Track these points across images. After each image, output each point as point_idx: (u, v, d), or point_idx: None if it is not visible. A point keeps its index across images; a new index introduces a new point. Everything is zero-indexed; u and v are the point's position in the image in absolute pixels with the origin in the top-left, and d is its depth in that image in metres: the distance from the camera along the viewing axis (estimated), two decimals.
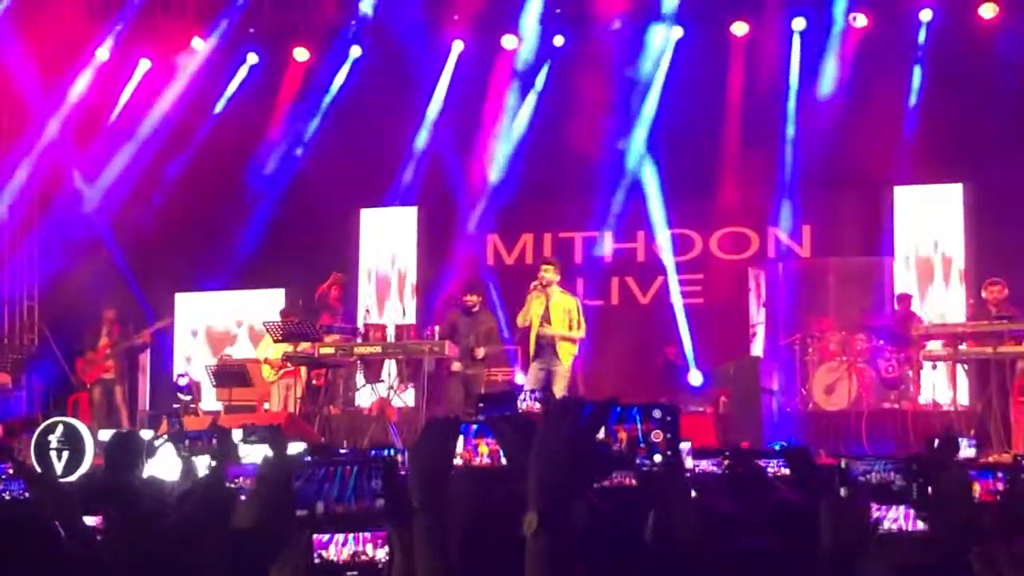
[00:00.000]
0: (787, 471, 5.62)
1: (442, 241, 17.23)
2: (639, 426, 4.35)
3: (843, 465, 5.18)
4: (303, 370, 14.12)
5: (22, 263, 17.19)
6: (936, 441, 5.57)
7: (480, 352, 13.26)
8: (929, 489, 4.35)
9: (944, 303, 15.60)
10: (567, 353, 12.61)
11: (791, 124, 16.29)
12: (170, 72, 17.16)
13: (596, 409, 3.21)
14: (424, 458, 3.84)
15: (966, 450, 7.34)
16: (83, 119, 16.99)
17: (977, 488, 5.53)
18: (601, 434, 3.91)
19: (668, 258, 16.58)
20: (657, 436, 4.32)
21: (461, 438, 4.52)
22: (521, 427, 3.81)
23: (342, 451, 7.75)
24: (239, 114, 17.43)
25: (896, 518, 4.80)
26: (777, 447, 8.74)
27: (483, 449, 4.50)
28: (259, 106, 17.43)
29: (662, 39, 16.51)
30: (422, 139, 17.16)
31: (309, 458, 6.02)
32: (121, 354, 15.13)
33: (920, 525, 4.66)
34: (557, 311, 12.55)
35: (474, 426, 4.60)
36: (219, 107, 17.55)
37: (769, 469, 5.97)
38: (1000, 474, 5.49)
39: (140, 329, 15.35)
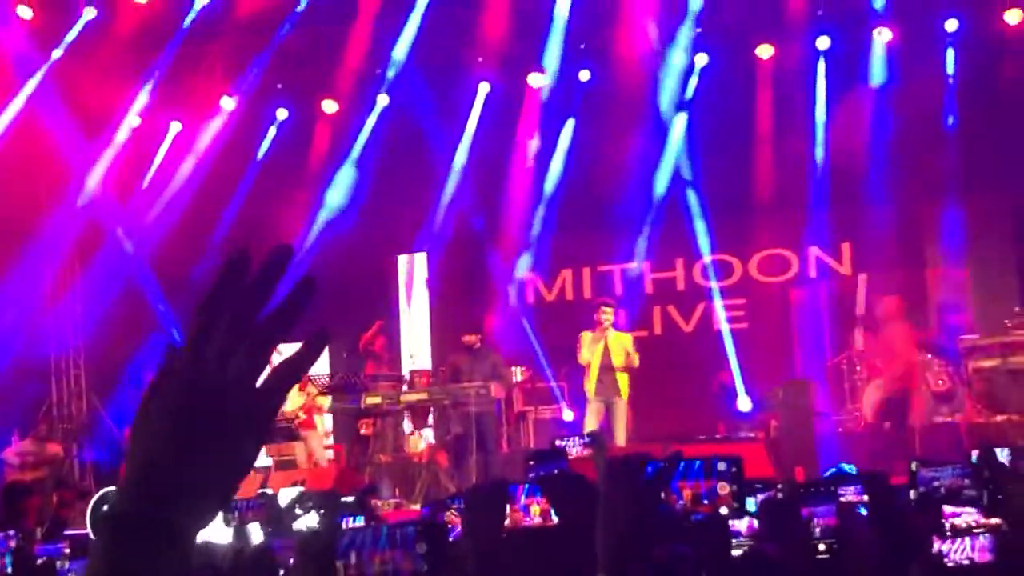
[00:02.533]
0: (865, 497, 5.56)
1: (477, 282, 17.24)
2: (702, 481, 4.31)
3: (913, 468, 5.14)
4: (318, 420, 14.22)
5: (65, 329, 17.27)
6: (975, 453, 5.51)
7: (495, 390, 13.23)
8: (999, 496, 4.31)
9: (990, 314, 15.42)
10: (627, 387, 13.07)
11: (821, 143, 16.21)
12: (201, 132, 17.28)
13: (661, 467, 3.16)
14: (475, 528, 3.82)
15: (1005, 459, 7.24)
16: (120, 182, 17.11)
17: None
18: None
19: (712, 284, 16.56)
20: (723, 489, 4.28)
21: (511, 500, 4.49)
22: (572, 484, 3.79)
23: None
24: (274, 168, 17.52)
25: (962, 548, 4.72)
26: (851, 470, 8.66)
27: (534, 509, 4.46)
28: (293, 160, 17.51)
29: (688, 66, 16.47)
30: (453, 182, 17.18)
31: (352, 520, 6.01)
32: None
33: (985, 544, 4.64)
34: (616, 348, 13.06)
35: (524, 486, 4.56)
36: (255, 160, 17.65)
37: (845, 497, 5.83)
38: None
39: None
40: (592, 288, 17.21)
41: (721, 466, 4.27)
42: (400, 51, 16.36)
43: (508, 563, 3.85)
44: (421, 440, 14.71)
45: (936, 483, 5.00)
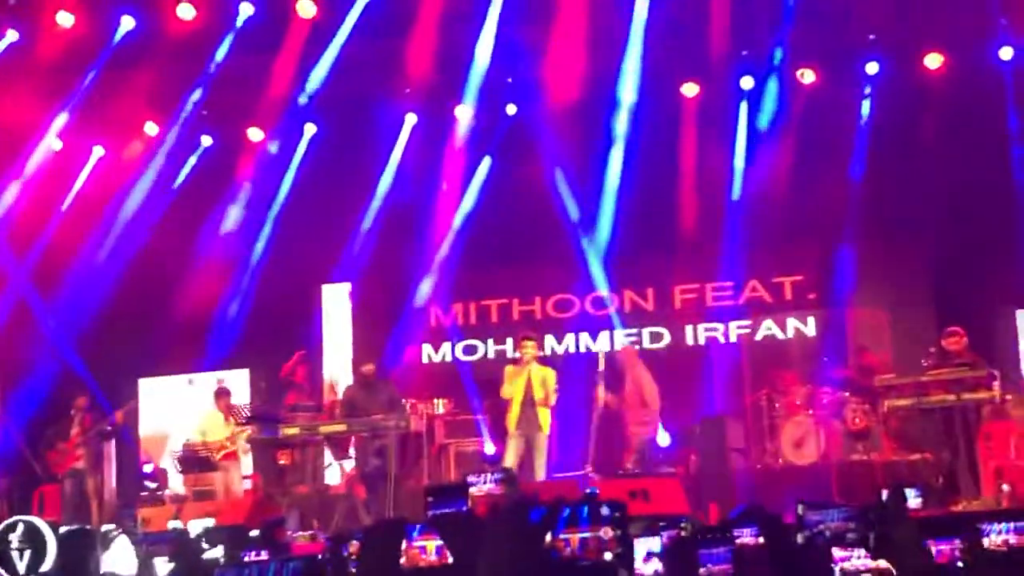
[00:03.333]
0: (760, 539, 5.59)
1: (397, 313, 17.23)
2: (587, 526, 4.30)
3: (800, 511, 5.20)
4: (241, 451, 14.10)
5: None
6: (885, 493, 5.58)
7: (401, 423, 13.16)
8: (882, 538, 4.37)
9: (904, 354, 15.64)
10: (547, 422, 13.03)
11: (739, 182, 16.40)
12: (123, 158, 17.13)
13: (545, 513, 3.16)
14: (371, 565, 3.81)
15: (913, 500, 7.37)
16: (37, 206, 16.90)
17: (933, 550, 5.53)
18: (550, 538, 3.86)
19: (615, 318, 16.68)
20: (607, 534, 4.28)
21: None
22: (467, 525, 3.78)
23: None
24: (195, 197, 17.38)
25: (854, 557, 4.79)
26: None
27: (430, 547, 4.44)
28: (216, 187, 17.39)
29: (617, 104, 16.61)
30: (376, 212, 17.15)
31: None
32: (92, 441, 14.86)
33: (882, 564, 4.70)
34: (538, 382, 13.02)
35: (418, 525, 4.54)
36: (175, 189, 17.50)
37: (740, 540, 5.84)
38: (957, 541, 5.47)
39: (107, 415, 15.14)
40: (520, 318, 17.28)
41: (605, 510, 4.26)
42: (320, 79, 16.27)
43: None
44: (340, 471, 14.61)
45: (821, 526, 5.05)
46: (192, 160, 17.59)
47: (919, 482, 12.00)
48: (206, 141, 17.55)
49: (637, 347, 15.88)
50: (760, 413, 14.94)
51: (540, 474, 12.79)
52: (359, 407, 13.42)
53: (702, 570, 4.51)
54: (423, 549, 4.40)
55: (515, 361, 13.38)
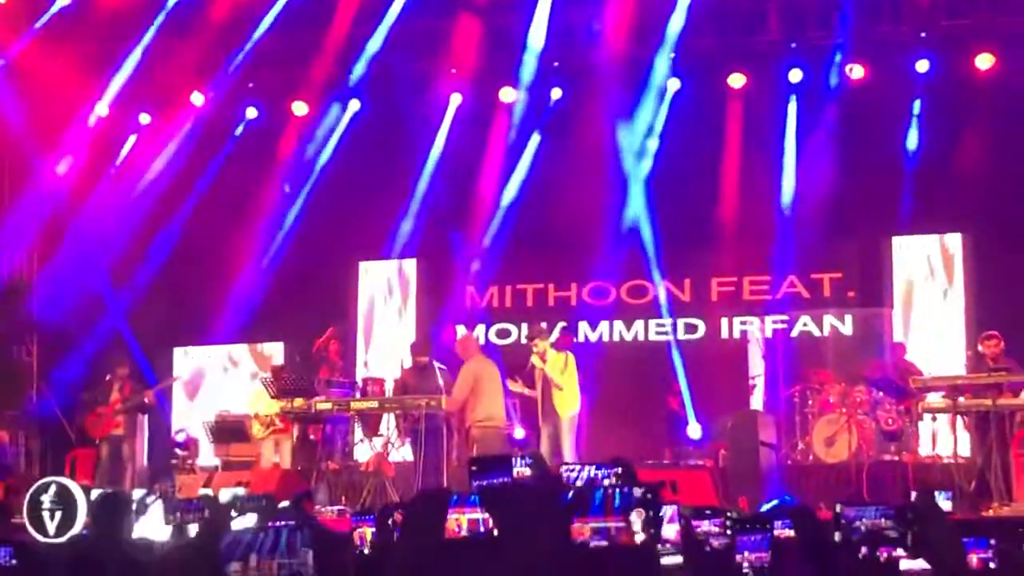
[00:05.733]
0: (791, 532, 5.58)
1: (441, 293, 17.28)
2: (617, 510, 4.27)
3: (838, 510, 5.19)
4: (295, 426, 14.07)
5: (20, 317, 17.14)
6: (914, 494, 5.56)
7: (446, 403, 13.15)
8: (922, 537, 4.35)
9: (944, 354, 15.55)
10: (564, 408, 13.02)
11: (788, 175, 16.31)
12: (170, 126, 17.22)
13: (573, 496, 3.16)
14: (414, 535, 3.82)
15: (943, 503, 7.33)
16: (84, 174, 17.02)
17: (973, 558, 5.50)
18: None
19: (666, 308, 16.64)
20: (640, 515, 4.26)
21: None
22: (514, 497, 3.78)
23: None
24: (240, 167, 17.45)
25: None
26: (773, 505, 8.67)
27: (462, 520, 4.45)
28: (259, 160, 17.45)
29: (660, 90, 16.55)
30: (420, 192, 17.18)
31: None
32: (131, 411, 14.92)
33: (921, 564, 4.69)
34: (553, 373, 13.08)
35: (454, 497, 4.56)
36: (219, 161, 17.58)
37: (775, 532, 5.87)
38: (992, 542, 5.43)
39: (147, 388, 15.18)
40: (555, 304, 17.28)
41: (637, 493, 4.24)
42: (371, 55, 16.30)
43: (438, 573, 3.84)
44: (370, 449, 14.66)
45: (857, 523, 5.03)
46: (237, 132, 17.66)
47: (951, 485, 12.04)
48: (251, 113, 17.60)
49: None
50: (793, 409, 14.89)
51: (568, 457, 12.78)
52: (411, 391, 13.42)
53: (739, 556, 4.51)
54: (457, 522, 4.42)
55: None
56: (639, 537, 4.15)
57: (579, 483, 4.72)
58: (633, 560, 4.19)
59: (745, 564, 4.60)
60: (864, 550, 4.63)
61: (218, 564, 4.30)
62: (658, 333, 16.89)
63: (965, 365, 13.99)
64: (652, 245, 16.49)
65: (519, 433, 14.87)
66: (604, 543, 3.96)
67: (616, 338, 17.11)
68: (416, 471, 12.90)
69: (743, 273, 16.82)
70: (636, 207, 16.53)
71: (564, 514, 2.85)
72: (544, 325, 14.81)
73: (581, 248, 16.75)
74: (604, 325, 17.14)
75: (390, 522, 5.53)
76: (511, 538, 3.33)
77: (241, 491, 8.09)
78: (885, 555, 4.60)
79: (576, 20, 16.08)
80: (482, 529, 4.18)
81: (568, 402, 13.11)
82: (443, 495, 4.08)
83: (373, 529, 6.00)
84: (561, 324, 16.31)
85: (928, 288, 16.05)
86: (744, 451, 13.25)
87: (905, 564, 4.60)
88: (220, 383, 17.38)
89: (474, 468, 4.65)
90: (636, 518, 4.15)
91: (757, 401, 15.70)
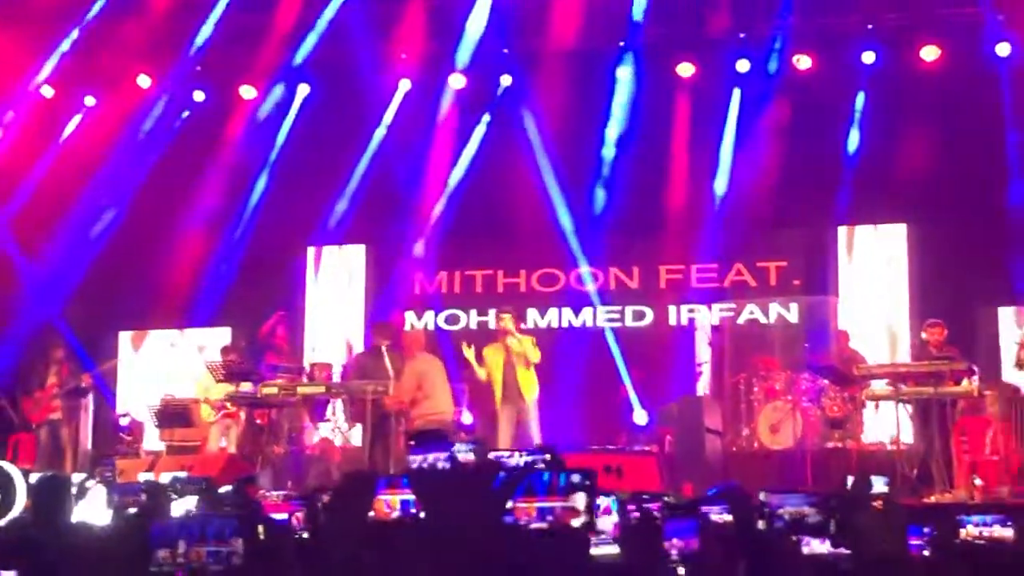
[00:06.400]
0: (728, 516, 5.60)
1: (390, 279, 17.24)
2: (558, 493, 4.29)
3: (762, 497, 5.22)
4: (243, 411, 14.00)
5: None
6: (851, 479, 5.60)
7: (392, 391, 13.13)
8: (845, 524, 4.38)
9: (889, 343, 15.72)
10: (529, 390, 13.03)
11: (736, 164, 16.40)
12: (116, 108, 17.05)
13: (508, 478, 3.16)
14: (340, 517, 3.81)
15: (880, 487, 7.41)
16: (23, 154, 16.82)
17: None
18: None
19: (593, 295, 16.75)
20: (576, 501, 4.27)
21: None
22: (443, 480, 3.77)
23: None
24: (186, 151, 17.31)
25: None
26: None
27: (394, 502, 4.45)
28: (206, 143, 17.32)
29: (610, 79, 16.59)
30: (369, 177, 17.12)
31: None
32: (69, 394, 14.80)
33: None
34: (518, 353, 13.01)
35: (385, 480, 4.55)
36: (166, 144, 17.42)
37: (712, 516, 5.90)
38: (927, 530, 5.48)
39: (84, 371, 15.04)
40: (504, 291, 17.30)
41: (575, 478, 4.26)
42: (320, 40, 16.22)
43: (366, 556, 3.82)
44: (316, 433, 14.62)
45: (780, 510, 5.06)
46: (184, 115, 17.52)
47: (893, 472, 12.16)
48: (198, 97, 17.46)
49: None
50: (739, 396, 14.99)
51: (536, 441, 12.77)
52: (368, 375, 13.39)
53: (667, 543, 4.52)
54: (388, 504, 4.41)
55: (491, 339, 13.37)
56: (581, 518, 4.18)
57: (511, 466, 4.74)
58: (561, 544, 4.21)
59: (673, 551, 4.61)
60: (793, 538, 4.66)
61: (148, 550, 4.28)
62: (606, 320, 16.94)
63: (909, 353, 14.15)
64: (601, 233, 16.54)
65: (467, 418, 14.89)
66: (545, 524, 3.98)
67: (565, 325, 17.13)
68: (363, 456, 12.89)
69: (691, 261, 16.90)
70: (587, 195, 16.59)
71: (495, 496, 2.84)
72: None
73: (531, 235, 16.77)
74: (553, 312, 17.17)
75: (319, 505, 5.50)
76: (438, 520, 3.32)
77: (183, 475, 8.05)
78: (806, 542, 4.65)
79: (527, 6, 16.08)
80: (412, 511, 4.17)
81: (534, 384, 13.10)
82: (370, 477, 4.07)
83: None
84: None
85: (873, 277, 16.21)
86: (689, 437, 13.32)
87: (819, 548, 4.64)
88: (165, 367, 17.24)
89: (412, 443, 4.65)
90: (578, 500, 4.16)
91: (704, 388, 15.79)
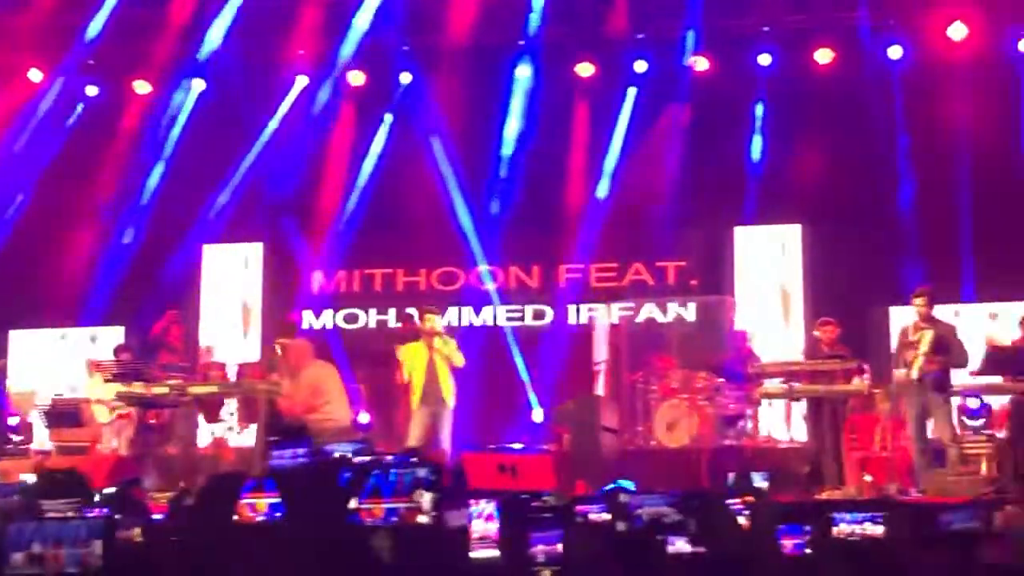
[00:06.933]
0: (607, 516, 5.60)
1: (288, 278, 17.09)
2: (405, 490, 4.24)
3: (621, 500, 5.21)
4: (135, 411, 13.77)
5: None
6: (732, 476, 5.62)
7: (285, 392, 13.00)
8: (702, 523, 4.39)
9: (784, 342, 15.90)
10: (450, 394, 12.83)
11: (627, 164, 16.49)
12: (5, 103, 16.70)
13: (353, 475, 3.11)
14: (204, 519, 3.74)
15: (760, 484, 7.49)
16: None
17: (787, 543, 5.58)
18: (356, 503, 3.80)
19: (494, 293, 16.74)
20: (422, 497, 4.23)
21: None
22: (296, 479, 3.72)
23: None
24: (79, 147, 17.01)
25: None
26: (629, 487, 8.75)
27: (260, 505, 4.37)
28: (101, 139, 17.03)
29: (512, 77, 16.60)
30: (266, 175, 16.96)
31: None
32: None
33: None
34: (441, 355, 12.75)
35: (251, 481, 4.47)
36: (59, 140, 17.11)
37: (591, 515, 5.87)
38: (807, 528, 5.51)
39: None
40: (403, 289, 17.22)
41: (422, 473, 4.22)
42: (217, 35, 16.02)
43: (229, 558, 3.76)
44: (211, 434, 14.44)
45: (639, 510, 5.06)
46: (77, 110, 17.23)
47: (784, 468, 12.29)
48: (91, 91, 17.16)
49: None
50: (636, 395, 15.05)
51: (446, 445, 12.69)
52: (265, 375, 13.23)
53: (533, 549, 4.48)
54: (252, 506, 4.34)
55: (409, 338, 13.20)
56: (424, 518, 4.13)
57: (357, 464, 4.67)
58: (440, 546, 4.18)
59: (540, 555, 4.56)
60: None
61: (3, 552, 4.16)
62: (507, 319, 16.94)
63: (802, 351, 14.33)
64: (501, 232, 16.54)
65: (364, 418, 14.79)
66: (392, 523, 3.94)
67: (465, 324, 17.10)
68: (255, 456, 12.72)
69: (590, 260, 16.95)
70: (486, 193, 16.59)
71: (341, 495, 2.80)
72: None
73: (430, 233, 16.72)
74: (453, 311, 17.12)
75: (183, 507, 5.40)
76: (292, 520, 3.27)
77: (59, 476, 7.88)
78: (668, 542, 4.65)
79: (425, 3, 16.04)
80: (278, 513, 4.10)
81: (453, 388, 12.88)
82: (235, 478, 3.99)
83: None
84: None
85: (769, 276, 16.39)
86: (585, 436, 13.35)
87: (684, 548, 4.64)
88: (57, 366, 16.92)
89: (270, 438, 4.59)
90: (422, 499, 4.12)
91: (602, 386, 15.85)
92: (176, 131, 17.09)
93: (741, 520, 5.06)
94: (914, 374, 11.79)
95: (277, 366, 13.12)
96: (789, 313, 16.23)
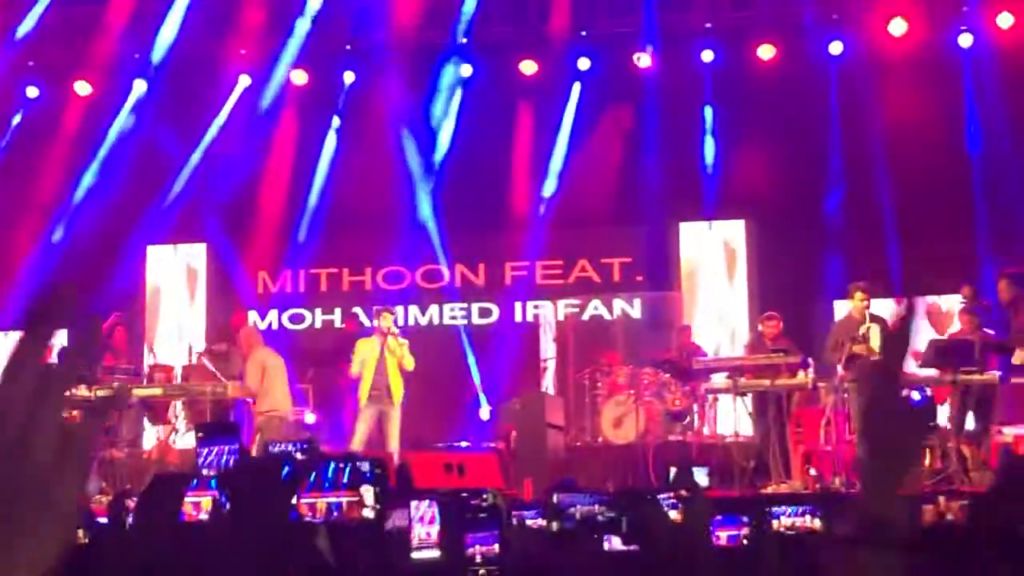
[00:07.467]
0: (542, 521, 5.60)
1: (232, 278, 16.98)
2: (345, 486, 4.24)
3: (555, 500, 5.22)
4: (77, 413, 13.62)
5: None
6: (673, 470, 5.65)
7: (232, 390, 12.98)
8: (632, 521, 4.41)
9: (729, 337, 15.98)
10: (399, 393, 12.87)
11: (571, 162, 16.52)
12: None
13: (295, 470, 3.09)
14: (146, 520, 3.70)
15: (701, 479, 7.55)
16: None
17: (723, 536, 5.62)
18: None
19: (448, 290, 16.76)
20: (367, 492, 4.23)
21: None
22: (237, 475, 3.70)
23: None
24: (22, 149, 16.83)
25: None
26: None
27: (204, 504, 4.34)
28: (42, 141, 16.85)
29: (452, 76, 16.57)
30: (210, 175, 16.85)
31: None
32: None
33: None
34: (392, 354, 12.80)
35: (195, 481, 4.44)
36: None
37: (528, 522, 5.85)
38: (745, 519, 5.55)
39: None
40: (350, 288, 17.17)
41: (364, 468, 4.22)
42: (163, 36, 15.91)
43: (172, 558, 3.73)
44: (156, 436, 14.33)
45: (571, 510, 5.07)
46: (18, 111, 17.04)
47: (729, 463, 12.37)
48: (32, 93, 16.98)
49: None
50: (582, 391, 15.06)
51: (393, 445, 12.67)
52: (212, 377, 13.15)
53: (470, 550, 4.47)
54: (196, 505, 4.31)
55: (358, 337, 13.28)
56: (368, 512, 4.13)
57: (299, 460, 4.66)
58: (381, 547, 4.17)
59: (478, 556, 4.55)
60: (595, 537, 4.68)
61: None
62: (452, 318, 16.94)
63: (745, 346, 14.41)
64: (447, 230, 16.52)
65: (310, 418, 14.75)
66: (335, 518, 3.93)
67: (411, 323, 17.05)
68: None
69: (536, 258, 16.96)
70: (430, 192, 16.56)
71: (284, 489, 2.78)
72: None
73: (376, 232, 16.67)
74: (399, 310, 17.07)
75: (125, 508, 5.36)
76: (235, 517, 3.25)
77: None
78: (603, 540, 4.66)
79: (367, 1, 15.99)
80: (220, 512, 4.08)
81: (402, 387, 12.93)
82: (178, 478, 3.97)
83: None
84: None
85: (713, 272, 16.47)
86: (532, 433, 13.35)
87: (618, 546, 4.65)
88: None
89: (200, 434, 4.55)
90: (365, 493, 4.12)
91: (549, 383, 15.88)
92: (114, 131, 16.91)
93: (673, 515, 5.09)
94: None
95: (232, 357, 13.11)
96: (733, 308, 16.30)
